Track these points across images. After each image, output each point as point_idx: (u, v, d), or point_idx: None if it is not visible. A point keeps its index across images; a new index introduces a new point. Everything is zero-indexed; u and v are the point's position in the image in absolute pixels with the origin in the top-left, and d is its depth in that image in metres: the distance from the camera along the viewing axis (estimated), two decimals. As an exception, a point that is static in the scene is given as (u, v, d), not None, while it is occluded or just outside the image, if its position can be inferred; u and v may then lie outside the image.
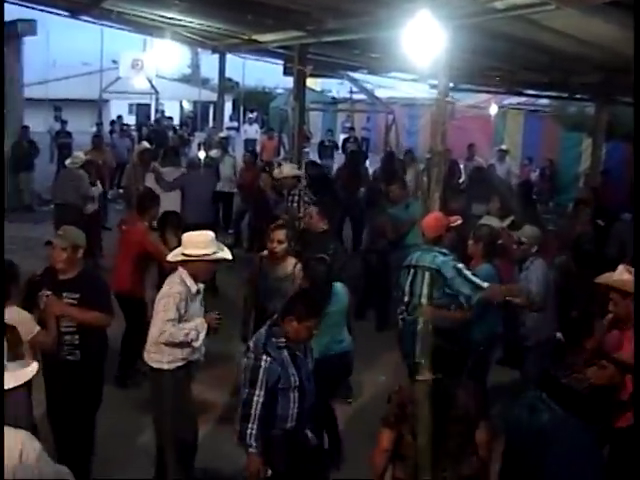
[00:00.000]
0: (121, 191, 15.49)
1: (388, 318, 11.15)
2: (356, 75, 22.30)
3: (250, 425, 5.78)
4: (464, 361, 5.41)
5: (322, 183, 14.56)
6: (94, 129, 26.17)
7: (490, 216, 11.28)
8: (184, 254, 6.75)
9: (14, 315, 6.00)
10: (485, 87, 22.93)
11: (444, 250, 8.16)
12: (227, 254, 6.92)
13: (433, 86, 20.37)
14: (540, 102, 26.51)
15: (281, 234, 8.21)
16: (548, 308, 8.37)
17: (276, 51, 17.87)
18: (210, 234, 6.91)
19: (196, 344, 6.71)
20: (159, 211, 10.11)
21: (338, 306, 7.43)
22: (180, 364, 6.79)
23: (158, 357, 6.77)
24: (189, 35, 18.90)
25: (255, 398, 5.78)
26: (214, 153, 17.37)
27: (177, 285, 6.68)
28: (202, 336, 6.71)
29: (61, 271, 6.78)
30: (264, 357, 5.83)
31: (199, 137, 27.49)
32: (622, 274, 6.66)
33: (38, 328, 6.27)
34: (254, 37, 16.39)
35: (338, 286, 7.55)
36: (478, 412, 5.14)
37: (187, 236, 6.87)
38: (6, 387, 3.89)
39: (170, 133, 26.62)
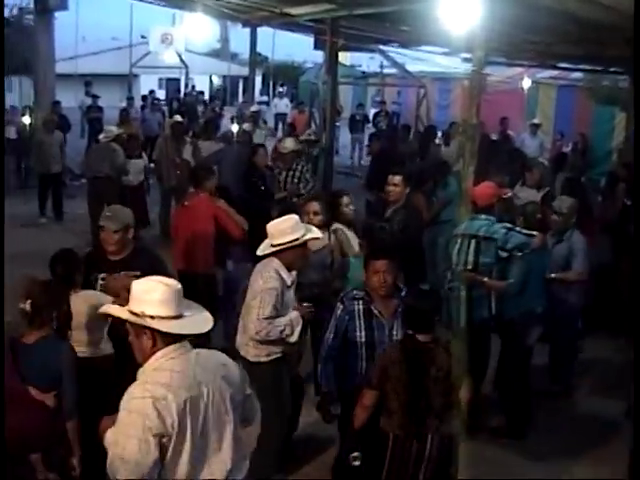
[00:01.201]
0: (152, 165, 15.43)
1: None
2: (387, 49, 22.14)
3: (320, 365, 6.23)
4: (433, 319, 5.40)
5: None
6: (124, 104, 26.15)
7: (525, 187, 11.22)
8: (273, 244, 6.48)
9: (93, 300, 6.00)
10: (518, 60, 22.73)
11: (492, 218, 8.20)
12: (316, 233, 6.72)
13: (465, 59, 20.26)
14: (573, 76, 26.19)
15: (316, 206, 8.13)
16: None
17: (307, 24, 17.82)
18: (294, 217, 6.63)
19: (291, 339, 6.51)
20: (215, 183, 9.94)
21: None
22: (278, 356, 6.59)
23: (256, 352, 6.56)
24: (219, 8, 18.83)
25: (326, 338, 6.16)
26: (247, 127, 17.36)
27: (273, 280, 6.35)
28: (297, 331, 6.50)
29: (114, 253, 6.67)
30: (338, 304, 6.18)
31: (229, 111, 27.44)
32: None
33: None
34: (285, 10, 16.31)
35: None
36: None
37: (272, 225, 6.56)
38: None
39: (200, 107, 26.58)
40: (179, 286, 4.12)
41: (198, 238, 9.23)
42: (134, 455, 3.77)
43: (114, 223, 6.64)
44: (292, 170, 12.44)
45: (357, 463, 5.49)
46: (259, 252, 6.62)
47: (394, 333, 5.95)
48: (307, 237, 6.57)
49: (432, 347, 5.29)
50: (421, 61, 25.62)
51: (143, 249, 7.02)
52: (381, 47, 21.98)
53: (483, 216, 8.19)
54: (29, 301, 5.23)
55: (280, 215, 7.11)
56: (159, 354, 3.98)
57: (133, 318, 3.99)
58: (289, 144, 12.72)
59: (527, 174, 12.05)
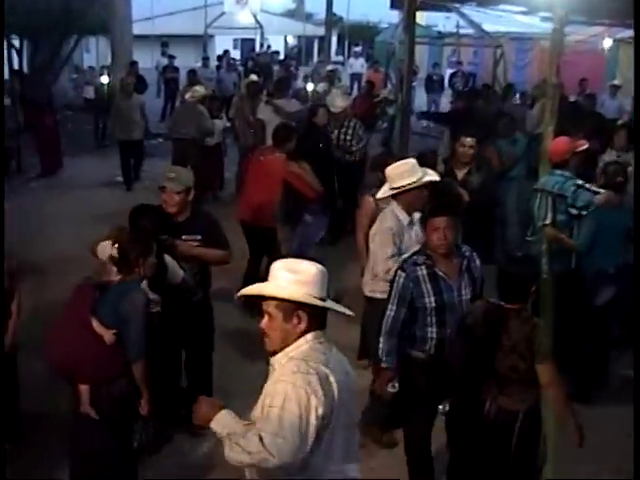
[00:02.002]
0: (228, 124, 15.45)
1: (493, 251, 10.89)
2: (464, 8, 21.84)
3: (381, 339, 5.87)
4: (527, 290, 5.19)
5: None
6: (199, 64, 26.30)
7: (613, 150, 11.00)
8: (392, 187, 6.71)
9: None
10: (598, 19, 22.23)
11: (567, 173, 8.25)
12: (434, 176, 6.87)
13: (544, 18, 19.89)
14: (656, 35, 25.61)
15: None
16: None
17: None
18: (412, 161, 6.83)
19: None
20: (294, 144, 10.00)
21: None
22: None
23: (373, 287, 6.95)
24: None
25: (388, 312, 5.84)
26: (321, 87, 17.32)
27: (388, 220, 6.69)
28: None
29: (176, 214, 6.67)
30: (399, 272, 5.82)
31: (304, 71, 27.43)
32: None
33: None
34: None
35: None
36: (542, 348, 5.06)
37: (391, 169, 6.76)
38: None
39: (276, 67, 26.58)
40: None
41: (264, 194, 9.49)
42: (294, 435, 3.59)
43: (176, 184, 6.60)
44: (344, 127, 12.46)
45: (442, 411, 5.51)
46: (379, 195, 6.98)
47: (463, 293, 5.76)
48: (425, 179, 6.73)
49: (510, 316, 5.14)
50: (498, 20, 25.26)
51: (202, 212, 7.03)
52: (458, 6, 21.69)
53: (559, 172, 8.30)
54: (116, 246, 5.39)
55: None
56: (309, 336, 3.85)
57: (303, 297, 3.80)
58: (339, 102, 12.54)
59: (615, 137, 11.79)
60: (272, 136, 10.19)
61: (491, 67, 22.59)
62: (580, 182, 8.13)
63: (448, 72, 29.10)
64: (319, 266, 3.91)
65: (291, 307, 3.79)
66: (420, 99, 27.80)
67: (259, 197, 9.49)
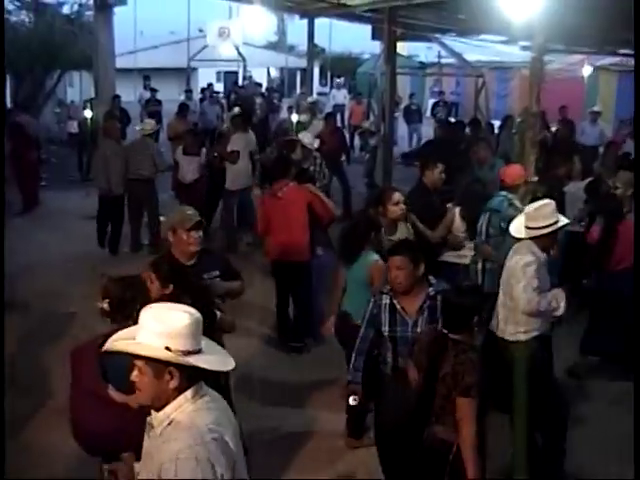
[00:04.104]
0: (215, 154, 15.20)
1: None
2: (445, 38, 22.03)
3: (353, 355, 6.28)
4: (469, 320, 5.22)
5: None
6: (182, 97, 26.39)
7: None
8: (530, 227, 6.70)
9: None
10: (577, 47, 22.46)
11: (510, 195, 8.76)
12: (564, 219, 6.89)
13: (524, 48, 20.06)
14: (634, 62, 25.81)
15: (400, 196, 8.17)
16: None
17: (364, 15, 17.75)
18: (552, 203, 6.83)
19: (558, 312, 6.72)
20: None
21: None
22: (535, 334, 6.75)
23: (513, 329, 6.76)
24: (276, 0, 18.89)
25: (360, 332, 6.26)
26: (303, 118, 17.38)
27: (529, 255, 6.64)
28: (563, 305, 6.68)
29: (191, 256, 6.54)
30: (371, 298, 6.23)
31: (287, 103, 27.56)
32: None
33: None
34: (342, 1, 16.30)
35: None
36: (463, 382, 5.04)
37: (534, 209, 6.77)
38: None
39: (258, 99, 26.68)
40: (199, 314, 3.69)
41: (296, 227, 9.49)
42: None
43: (200, 223, 6.56)
44: (311, 164, 12.46)
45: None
46: (517, 234, 6.88)
47: (418, 330, 5.90)
48: (560, 224, 6.77)
49: (454, 346, 5.15)
50: (479, 50, 25.44)
51: (205, 249, 6.84)
52: (438, 36, 21.87)
53: (503, 192, 8.81)
54: (107, 300, 5.17)
55: None
56: (189, 394, 3.56)
57: (167, 355, 3.48)
58: (306, 140, 12.54)
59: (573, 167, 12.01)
60: (273, 170, 10.32)
61: (473, 96, 22.73)
62: (514, 200, 8.66)
63: (430, 102, 29.28)
64: (192, 314, 3.62)
65: (162, 363, 3.51)
66: (404, 129, 27.97)
67: (289, 234, 9.49)
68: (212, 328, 5.66)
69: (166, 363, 3.49)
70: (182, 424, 3.49)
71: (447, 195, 9.67)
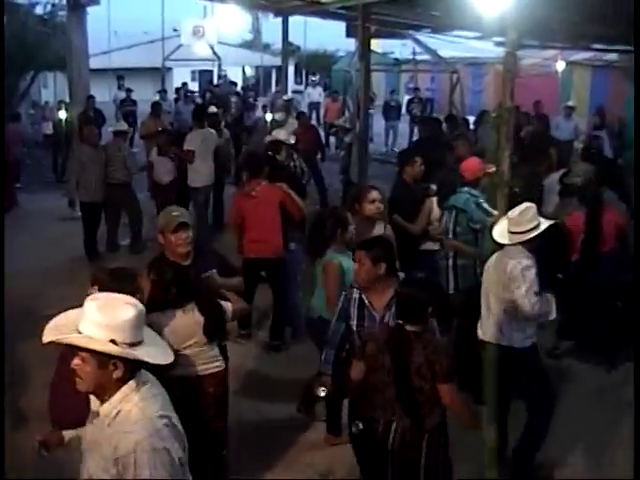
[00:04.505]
0: (172, 155, 15.01)
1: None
2: (419, 34, 22.09)
3: (325, 348, 6.35)
4: (424, 311, 5.33)
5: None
6: (157, 97, 26.32)
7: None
8: (517, 232, 6.66)
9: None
10: (551, 42, 22.55)
11: (474, 191, 8.78)
12: (547, 221, 6.81)
13: (498, 43, 20.14)
14: (608, 57, 25.93)
15: (379, 194, 8.20)
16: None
17: (338, 12, 17.77)
18: (533, 206, 6.79)
19: (551, 317, 6.77)
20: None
21: None
22: (534, 340, 6.82)
23: (522, 335, 6.74)
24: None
25: (332, 326, 6.30)
26: (279, 116, 17.37)
27: (526, 259, 6.62)
28: (554, 309, 6.72)
29: (186, 256, 6.41)
30: (343, 292, 6.29)
31: (262, 102, 27.54)
32: None
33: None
34: (316, -2, 16.33)
35: None
36: (442, 369, 5.17)
37: (518, 214, 6.69)
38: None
39: (234, 98, 26.64)
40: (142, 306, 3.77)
41: (269, 225, 9.66)
42: None
43: (189, 222, 6.50)
44: (290, 162, 12.45)
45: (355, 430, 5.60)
46: (502, 240, 6.80)
47: (384, 325, 5.89)
48: (542, 228, 6.68)
49: (412, 339, 5.24)
50: (453, 46, 25.50)
51: (196, 247, 6.67)
52: (413, 33, 21.92)
53: (466, 189, 8.81)
54: (95, 287, 5.17)
55: None
56: (132, 383, 3.63)
57: (112, 349, 3.53)
58: (281, 135, 12.57)
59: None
60: (247, 167, 10.37)
61: (448, 92, 22.79)
62: (481, 200, 8.62)
63: (406, 98, 29.29)
64: (136, 305, 3.69)
65: (107, 355, 3.55)
66: (378, 126, 27.99)
67: (262, 232, 9.66)
68: (221, 328, 5.73)
69: (111, 355, 3.54)
70: (132, 415, 3.55)
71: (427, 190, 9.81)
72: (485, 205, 8.54)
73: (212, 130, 14.53)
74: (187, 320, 5.66)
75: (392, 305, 5.91)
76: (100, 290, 5.04)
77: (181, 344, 5.62)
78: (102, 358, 3.55)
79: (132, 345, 3.59)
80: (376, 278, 5.96)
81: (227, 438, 6.23)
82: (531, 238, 6.62)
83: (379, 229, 8.07)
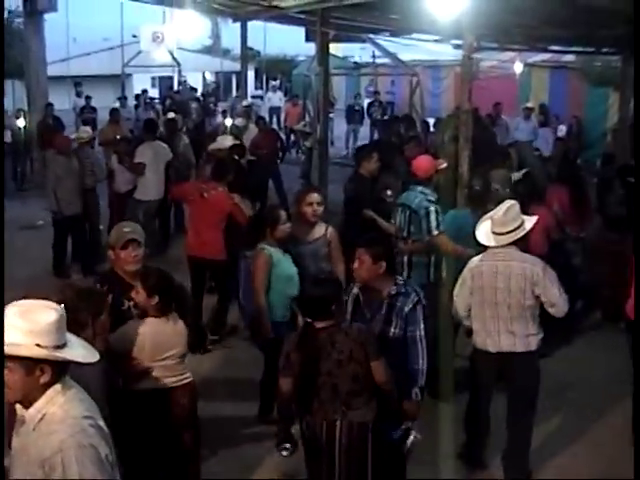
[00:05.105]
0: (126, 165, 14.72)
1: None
2: (378, 38, 22.15)
3: None
4: (330, 306, 5.42)
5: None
6: (117, 104, 26.19)
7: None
8: (503, 232, 6.53)
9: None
10: (509, 45, 22.72)
11: (427, 191, 8.61)
12: (533, 220, 6.70)
13: (456, 46, 20.24)
14: (565, 58, 26.19)
15: (319, 197, 8.15)
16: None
17: (297, 17, 17.77)
18: (516, 204, 6.65)
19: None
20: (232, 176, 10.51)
21: None
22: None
23: (536, 338, 6.66)
24: (209, 4, 18.81)
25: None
26: (239, 122, 17.35)
27: (534, 259, 6.56)
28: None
29: (135, 273, 6.05)
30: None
31: (223, 107, 27.48)
32: None
33: None
34: (275, 3, 16.28)
35: None
36: (367, 355, 5.31)
37: (502, 214, 6.54)
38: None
39: (194, 104, 26.59)
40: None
41: (212, 229, 9.94)
42: None
43: (140, 239, 6.23)
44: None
45: (285, 454, 5.56)
46: (489, 242, 6.67)
47: (373, 326, 5.87)
48: (528, 226, 6.62)
49: (330, 333, 5.33)
50: (412, 49, 25.61)
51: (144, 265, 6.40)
52: (372, 37, 21.97)
53: (419, 188, 8.61)
54: (62, 305, 5.10)
55: None
56: (58, 387, 3.58)
57: (40, 352, 3.48)
58: (227, 143, 12.58)
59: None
60: (213, 171, 10.59)
61: (408, 95, 22.89)
62: (432, 208, 8.38)
63: (366, 102, 29.37)
64: (57, 309, 3.65)
65: (32, 360, 3.49)
66: (339, 129, 28.03)
67: (209, 232, 9.94)
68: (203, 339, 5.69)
69: (37, 360, 3.48)
70: (57, 417, 3.50)
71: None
72: (433, 219, 8.35)
73: (164, 144, 14.20)
74: (169, 329, 5.66)
75: (383, 307, 5.92)
76: (66, 309, 5.02)
77: (162, 355, 5.62)
78: (29, 364, 3.49)
79: (57, 347, 3.55)
80: (376, 277, 5.94)
81: (200, 447, 6.20)
82: (522, 237, 6.55)
83: (319, 230, 8.04)
